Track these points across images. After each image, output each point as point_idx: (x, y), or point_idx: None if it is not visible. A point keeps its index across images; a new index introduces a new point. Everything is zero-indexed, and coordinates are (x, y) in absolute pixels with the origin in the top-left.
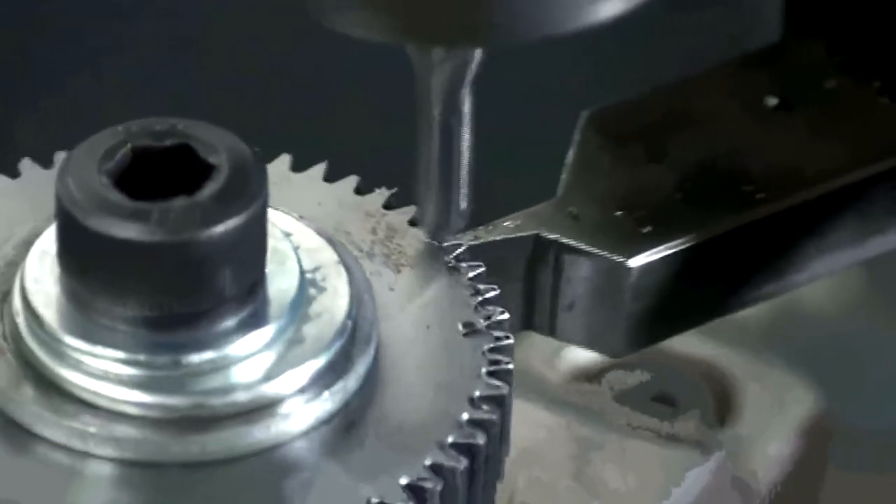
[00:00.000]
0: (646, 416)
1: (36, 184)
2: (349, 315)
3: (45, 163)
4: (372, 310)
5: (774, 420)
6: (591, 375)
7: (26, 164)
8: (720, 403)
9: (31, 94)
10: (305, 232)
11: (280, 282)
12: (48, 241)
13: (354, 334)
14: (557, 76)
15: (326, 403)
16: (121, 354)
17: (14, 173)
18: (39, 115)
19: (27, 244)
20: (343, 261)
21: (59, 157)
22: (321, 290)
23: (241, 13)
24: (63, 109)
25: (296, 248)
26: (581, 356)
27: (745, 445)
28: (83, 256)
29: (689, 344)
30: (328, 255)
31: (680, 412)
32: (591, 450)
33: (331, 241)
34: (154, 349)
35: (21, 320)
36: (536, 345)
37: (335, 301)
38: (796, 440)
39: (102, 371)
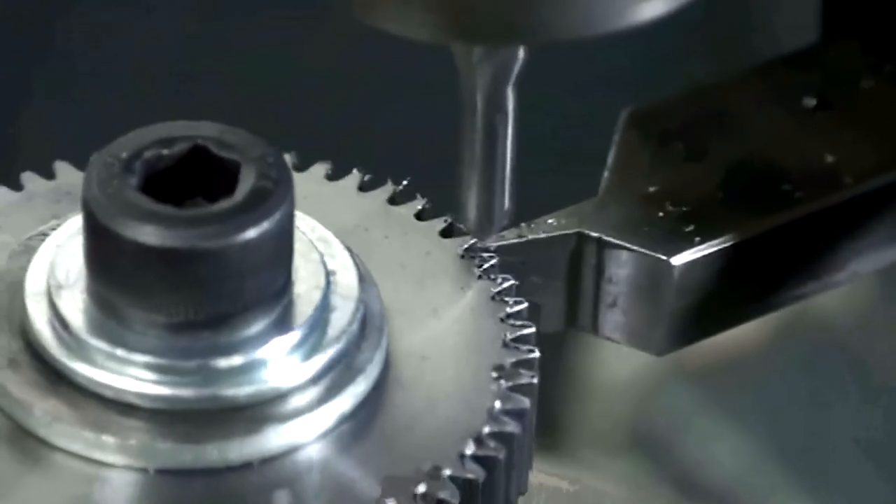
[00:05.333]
0: None
1: (39, 195)
2: (354, 317)
3: (48, 173)
4: (381, 313)
5: None
6: None
7: (28, 177)
8: None
9: (41, 99)
10: (321, 232)
11: (306, 284)
12: (70, 244)
13: (364, 337)
14: (599, 75)
15: (340, 406)
16: (147, 359)
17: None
18: (49, 119)
19: (31, 249)
20: (355, 262)
21: (61, 166)
22: (336, 291)
23: (264, 14)
24: (72, 113)
25: (319, 251)
26: None
27: None
28: (110, 262)
29: None
30: (341, 257)
31: None
32: None
33: (343, 242)
34: (181, 354)
35: (44, 325)
36: None
37: (346, 302)
38: None
39: (128, 375)
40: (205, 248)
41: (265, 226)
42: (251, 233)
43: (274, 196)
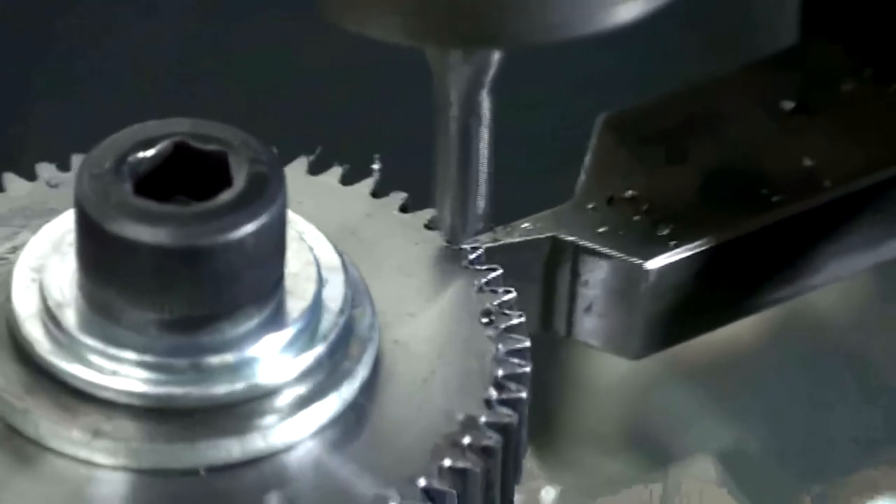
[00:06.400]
0: None
1: (52, 188)
2: (341, 313)
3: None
4: (371, 309)
5: None
6: None
7: (44, 167)
8: None
9: (41, 99)
10: (309, 229)
11: (298, 281)
12: (51, 264)
13: (352, 334)
14: (575, 79)
15: (332, 404)
16: (139, 357)
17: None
18: (49, 119)
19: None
20: (341, 259)
21: (77, 159)
22: (322, 265)
23: (264, 14)
24: (76, 119)
25: (311, 248)
26: None
27: None
28: (102, 260)
29: None
30: (329, 254)
31: None
32: None
33: (330, 239)
34: (173, 351)
35: (35, 324)
36: None
37: (334, 274)
38: None
39: (119, 373)
40: (225, 241)
41: (274, 209)
42: (265, 218)
43: (273, 179)
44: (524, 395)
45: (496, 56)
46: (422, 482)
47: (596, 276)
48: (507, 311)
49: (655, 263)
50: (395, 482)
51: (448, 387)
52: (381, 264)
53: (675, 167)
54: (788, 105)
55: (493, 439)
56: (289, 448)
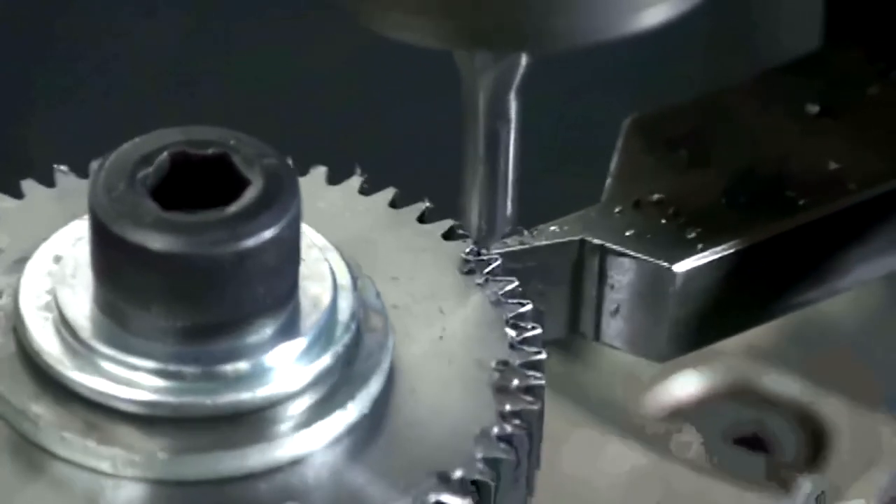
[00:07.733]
0: (733, 457)
1: (70, 194)
2: (350, 324)
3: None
4: (369, 279)
5: (865, 468)
6: (682, 412)
7: (60, 175)
8: (811, 447)
9: (45, 105)
10: (316, 238)
11: (313, 290)
12: (65, 293)
13: (360, 343)
14: (602, 81)
15: (347, 414)
16: (153, 364)
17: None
18: (52, 125)
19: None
20: (348, 267)
21: (95, 166)
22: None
23: (266, 18)
24: (77, 119)
25: (325, 256)
26: (673, 393)
27: (833, 492)
28: (116, 267)
29: (784, 384)
30: (314, 235)
31: (769, 454)
32: (675, 491)
33: (338, 248)
34: (187, 359)
35: (47, 332)
36: (627, 379)
37: (342, 276)
38: (887, 491)
39: (133, 381)
40: (270, 237)
41: (269, 233)
42: (295, 208)
43: (287, 169)
44: (540, 330)
45: (524, 59)
46: (495, 430)
47: (623, 279)
48: (482, 257)
49: (683, 266)
50: (474, 429)
51: (465, 338)
52: (341, 237)
53: (702, 170)
54: (813, 108)
55: (535, 378)
56: (306, 456)
